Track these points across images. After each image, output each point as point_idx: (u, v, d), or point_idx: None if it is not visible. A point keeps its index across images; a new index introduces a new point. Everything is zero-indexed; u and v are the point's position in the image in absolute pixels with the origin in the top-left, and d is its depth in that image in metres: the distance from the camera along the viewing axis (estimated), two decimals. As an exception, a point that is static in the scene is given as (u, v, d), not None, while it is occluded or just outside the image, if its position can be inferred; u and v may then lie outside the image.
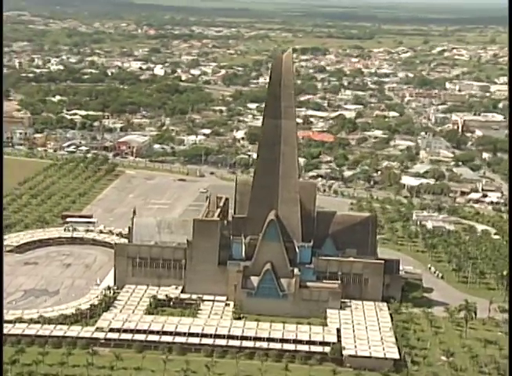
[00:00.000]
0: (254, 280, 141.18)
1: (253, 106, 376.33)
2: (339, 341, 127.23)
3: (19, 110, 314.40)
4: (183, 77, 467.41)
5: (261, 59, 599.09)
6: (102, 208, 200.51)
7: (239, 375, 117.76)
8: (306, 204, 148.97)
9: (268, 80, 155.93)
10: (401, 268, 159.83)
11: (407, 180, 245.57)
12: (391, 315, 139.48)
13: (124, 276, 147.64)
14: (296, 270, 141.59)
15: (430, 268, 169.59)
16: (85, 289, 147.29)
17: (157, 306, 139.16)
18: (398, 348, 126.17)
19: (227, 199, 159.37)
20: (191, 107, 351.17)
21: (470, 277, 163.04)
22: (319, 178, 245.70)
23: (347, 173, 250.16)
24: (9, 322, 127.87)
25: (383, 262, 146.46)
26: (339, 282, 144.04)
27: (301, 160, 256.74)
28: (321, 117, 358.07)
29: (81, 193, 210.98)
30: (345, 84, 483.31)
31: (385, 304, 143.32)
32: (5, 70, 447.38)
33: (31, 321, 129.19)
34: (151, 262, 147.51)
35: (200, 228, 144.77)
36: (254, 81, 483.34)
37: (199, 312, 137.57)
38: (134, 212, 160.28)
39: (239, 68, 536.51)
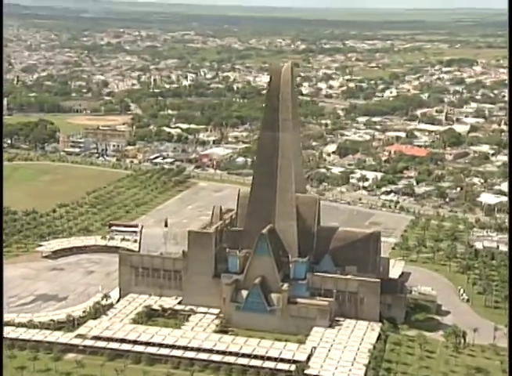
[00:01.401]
0: (244, 293, 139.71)
1: (362, 119, 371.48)
2: (308, 359, 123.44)
3: (124, 123, 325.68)
4: (304, 91, 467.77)
5: (399, 72, 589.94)
6: (155, 218, 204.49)
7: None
8: (307, 219, 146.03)
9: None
10: (415, 288, 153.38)
11: (485, 198, 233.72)
12: (379, 336, 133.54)
13: (127, 286, 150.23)
14: (285, 285, 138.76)
15: (459, 290, 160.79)
16: (93, 296, 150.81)
17: (150, 316, 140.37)
18: (366, 371, 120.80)
19: (233, 211, 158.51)
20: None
21: (496, 301, 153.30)
22: (392, 194, 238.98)
23: (420, 189, 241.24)
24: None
25: (379, 280, 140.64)
26: (332, 300, 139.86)
27: (378, 175, 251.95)
28: (430, 131, 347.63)
29: (141, 203, 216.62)
30: (477, 97, 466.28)
31: (379, 324, 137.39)
32: (137, 86, 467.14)
33: (19, 325, 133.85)
34: (153, 273, 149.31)
35: (194, 240, 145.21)
36: (379, 94, 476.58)
37: (185, 323, 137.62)
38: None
39: (371, 81, 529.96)
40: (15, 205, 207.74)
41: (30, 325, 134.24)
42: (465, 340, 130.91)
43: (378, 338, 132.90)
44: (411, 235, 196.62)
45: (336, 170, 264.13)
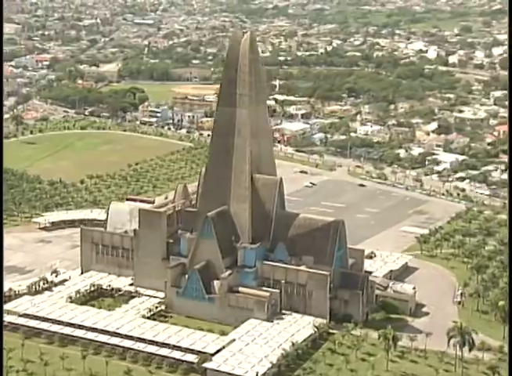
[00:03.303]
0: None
1: (498, 94, 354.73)
2: (217, 352, 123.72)
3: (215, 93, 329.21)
4: (450, 61, 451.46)
5: None
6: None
7: (88, 372, 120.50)
8: (265, 203, 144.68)
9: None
10: (390, 284, 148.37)
11: None
12: (314, 333, 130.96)
13: (89, 263, 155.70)
14: (226, 273, 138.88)
15: (459, 291, 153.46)
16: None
17: (94, 296, 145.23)
18: (272, 368, 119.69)
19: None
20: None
21: (491, 306, 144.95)
22: (467, 181, 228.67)
23: (498, 178, 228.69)
24: None
25: (327, 273, 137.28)
26: (276, 291, 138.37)
27: (459, 158, 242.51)
28: None
29: (176, 178, 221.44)
30: None
31: (324, 321, 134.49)
32: (266, 54, 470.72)
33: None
34: (112, 250, 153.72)
35: (145, 218, 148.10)
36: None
37: (122, 306, 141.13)
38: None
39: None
40: (52, 174, 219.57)
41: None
42: (396, 344, 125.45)
43: (311, 336, 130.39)
44: (450, 227, 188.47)
45: (417, 151, 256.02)
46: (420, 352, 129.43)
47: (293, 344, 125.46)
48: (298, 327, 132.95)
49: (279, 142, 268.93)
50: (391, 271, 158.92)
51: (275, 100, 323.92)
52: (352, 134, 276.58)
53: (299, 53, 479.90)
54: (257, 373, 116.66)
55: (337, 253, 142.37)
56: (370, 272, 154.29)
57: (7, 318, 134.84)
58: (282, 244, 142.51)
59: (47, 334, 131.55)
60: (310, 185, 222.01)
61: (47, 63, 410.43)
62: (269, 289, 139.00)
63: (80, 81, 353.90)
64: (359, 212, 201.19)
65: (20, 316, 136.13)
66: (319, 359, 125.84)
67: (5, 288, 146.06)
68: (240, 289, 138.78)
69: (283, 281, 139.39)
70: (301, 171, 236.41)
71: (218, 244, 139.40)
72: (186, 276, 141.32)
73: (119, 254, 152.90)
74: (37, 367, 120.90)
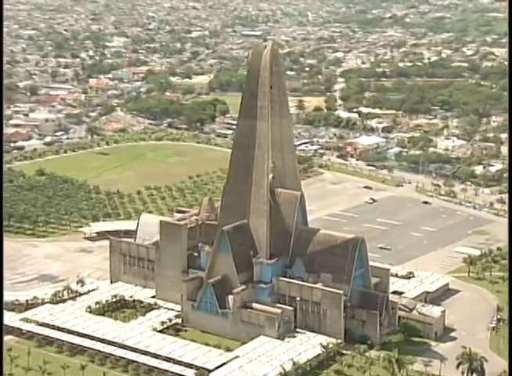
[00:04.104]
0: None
1: None
2: (216, 368, 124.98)
3: (298, 105, 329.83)
4: None
5: None
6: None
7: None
8: (286, 218, 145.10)
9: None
10: (418, 306, 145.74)
11: None
12: (324, 354, 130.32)
13: (117, 273, 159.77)
14: (239, 288, 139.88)
15: (496, 316, 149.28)
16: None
17: (115, 308, 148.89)
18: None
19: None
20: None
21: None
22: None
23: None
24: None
25: (341, 292, 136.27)
26: (290, 308, 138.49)
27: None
28: None
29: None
30: None
31: (335, 341, 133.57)
32: (366, 65, 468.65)
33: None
34: (138, 262, 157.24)
35: (166, 231, 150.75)
36: None
37: (137, 318, 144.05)
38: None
39: None
40: (113, 185, 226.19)
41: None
42: (400, 367, 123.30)
43: (318, 356, 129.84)
44: (506, 249, 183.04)
45: (496, 168, 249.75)
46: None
47: (294, 363, 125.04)
48: (308, 347, 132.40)
49: (351, 156, 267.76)
50: (427, 293, 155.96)
51: (359, 113, 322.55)
52: (432, 149, 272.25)
53: (400, 64, 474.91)
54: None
55: (358, 271, 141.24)
56: (401, 293, 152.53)
57: (25, 326, 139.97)
58: (300, 260, 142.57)
59: (58, 343, 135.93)
60: (370, 201, 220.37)
61: (142, 75, 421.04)
62: (284, 306, 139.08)
63: (168, 93, 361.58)
64: (414, 231, 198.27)
65: (39, 324, 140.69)
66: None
67: (30, 296, 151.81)
68: (254, 305, 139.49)
69: (298, 298, 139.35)
70: (366, 187, 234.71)
71: (234, 258, 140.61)
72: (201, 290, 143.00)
73: (145, 265, 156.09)
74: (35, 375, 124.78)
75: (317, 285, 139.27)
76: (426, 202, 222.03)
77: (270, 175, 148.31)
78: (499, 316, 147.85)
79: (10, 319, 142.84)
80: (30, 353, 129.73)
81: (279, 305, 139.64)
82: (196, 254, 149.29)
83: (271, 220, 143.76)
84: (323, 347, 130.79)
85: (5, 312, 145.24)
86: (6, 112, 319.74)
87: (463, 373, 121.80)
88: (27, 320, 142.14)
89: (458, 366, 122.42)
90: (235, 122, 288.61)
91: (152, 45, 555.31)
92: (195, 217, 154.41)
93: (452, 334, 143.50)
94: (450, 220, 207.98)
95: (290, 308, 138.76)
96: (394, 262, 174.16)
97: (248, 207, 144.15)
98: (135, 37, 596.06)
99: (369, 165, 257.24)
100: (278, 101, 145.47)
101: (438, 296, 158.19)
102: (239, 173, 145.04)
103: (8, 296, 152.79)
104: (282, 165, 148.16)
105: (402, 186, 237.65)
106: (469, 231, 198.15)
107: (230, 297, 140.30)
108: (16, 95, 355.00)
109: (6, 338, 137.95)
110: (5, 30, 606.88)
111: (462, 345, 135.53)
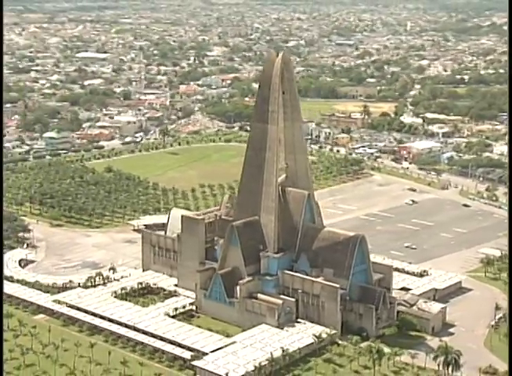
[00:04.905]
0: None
1: None
2: (212, 352, 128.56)
3: (361, 111, 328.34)
4: None
5: None
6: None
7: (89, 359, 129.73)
8: (294, 215, 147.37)
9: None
10: (419, 302, 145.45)
11: None
12: (316, 343, 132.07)
13: (148, 263, 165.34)
14: (246, 279, 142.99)
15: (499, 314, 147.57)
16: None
17: (138, 294, 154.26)
18: (254, 370, 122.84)
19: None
20: None
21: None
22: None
23: None
24: (8, 279, 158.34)
25: (338, 286, 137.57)
26: (292, 299, 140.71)
27: None
28: None
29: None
30: None
31: (329, 331, 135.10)
32: (448, 72, 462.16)
33: (24, 283, 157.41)
34: (166, 253, 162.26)
35: (187, 225, 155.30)
36: None
37: (156, 304, 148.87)
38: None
39: None
40: (173, 183, 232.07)
41: (34, 285, 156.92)
42: (381, 357, 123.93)
43: (311, 345, 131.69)
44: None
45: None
46: (417, 370, 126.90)
47: (283, 350, 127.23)
48: (303, 336, 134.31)
49: (405, 159, 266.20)
50: (436, 290, 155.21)
51: (424, 119, 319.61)
52: (487, 154, 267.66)
53: (482, 72, 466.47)
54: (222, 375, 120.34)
55: (359, 267, 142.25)
56: (409, 290, 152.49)
57: (55, 307, 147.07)
58: (304, 255, 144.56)
59: (79, 324, 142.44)
60: (410, 202, 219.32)
61: (229, 81, 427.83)
62: (287, 297, 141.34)
63: (247, 98, 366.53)
64: (445, 231, 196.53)
65: (67, 306, 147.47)
66: (312, 368, 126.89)
67: (66, 280, 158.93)
68: (259, 295, 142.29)
69: (300, 291, 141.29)
70: (410, 189, 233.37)
71: (242, 251, 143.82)
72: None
73: (171, 256, 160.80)
74: (50, 350, 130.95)
75: (318, 279, 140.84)
76: (465, 205, 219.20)
77: (283, 175, 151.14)
78: (501, 315, 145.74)
79: (44, 299, 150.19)
80: (50, 331, 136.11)
81: (282, 296, 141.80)
82: (211, 246, 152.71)
83: (280, 217, 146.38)
84: (316, 337, 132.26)
85: (40, 293, 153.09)
86: (96, 115, 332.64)
87: (439, 365, 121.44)
88: (58, 302, 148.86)
89: (435, 359, 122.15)
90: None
91: (248, 54, 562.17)
92: (215, 213, 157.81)
93: (451, 330, 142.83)
94: (484, 222, 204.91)
95: (292, 299, 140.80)
96: (416, 260, 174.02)
97: (259, 204, 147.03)
98: (234, 46, 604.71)
99: (420, 169, 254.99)
100: (290, 106, 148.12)
101: (448, 294, 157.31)
102: (252, 173, 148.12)
103: (47, 279, 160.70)
104: (294, 166, 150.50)
105: (447, 189, 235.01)
106: (499, 233, 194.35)
107: (238, 287, 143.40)
108: (110, 100, 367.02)
109: (38, 316, 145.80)
110: (120, 41, 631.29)
111: (455, 340, 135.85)
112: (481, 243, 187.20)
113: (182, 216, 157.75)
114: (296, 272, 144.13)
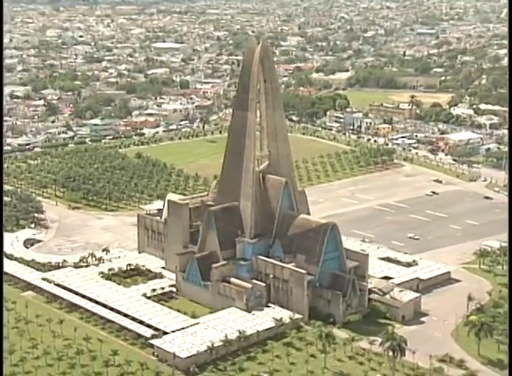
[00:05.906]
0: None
1: None
2: (172, 332, 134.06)
3: (409, 102, 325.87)
4: None
5: None
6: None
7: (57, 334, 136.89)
8: (272, 202, 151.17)
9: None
10: (394, 291, 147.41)
11: None
12: (276, 327, 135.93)
13: (143, 246, 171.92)
14: (219, 263, 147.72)
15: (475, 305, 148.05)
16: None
17: (124, 275, 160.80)
18: (207, 350, 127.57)
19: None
20: None
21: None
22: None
23: None
24: (7, 257, 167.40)
25: (305, 272, 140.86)
26: (262, 284, 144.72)
27: None
28: None
29: (308, 179, 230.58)
30: None
31: (293, 315, 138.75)
32: None
33: (22, 261, 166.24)
34: (158, 236, 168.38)
35: (172, 209, 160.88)
36: None
37: (138, 285, 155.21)
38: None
39: None
40: (200, 169, 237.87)
41: (29, 263, 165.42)
42: (330, 344, 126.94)
43: (271, 329, 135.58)
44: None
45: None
46: (373, 356, 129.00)
47: (239, 332, 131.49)
48: (267, 319, 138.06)
49: (442, 150, 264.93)
50: (420, 280, 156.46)
51: (476, 110, 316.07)
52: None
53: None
54: (174, 353, 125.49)
55: (331, 254, 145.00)
56: (390, 278, 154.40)
57: (42, 284, 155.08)
58: (279, 241, 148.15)
59: (60, 301, 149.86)
60: (430, 193, 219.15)
61: (290, 71, 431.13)
62: (258, 282, 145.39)
63: (301, 88, 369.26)
64: (456, 223, 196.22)
65: (54, 284, 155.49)
66: (268, 350, 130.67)
67: (60, 260, 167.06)
68: (232, 280, 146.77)
69: (271, 276, 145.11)
70: (436, 180, 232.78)
71: (218, 236, 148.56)
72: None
73: (162, 239, 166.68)
74: (22, 324, 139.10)
75: (289, 265, 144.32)
76: (487, 197, 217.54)
77: (266, 162, 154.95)
78: (476, 306, 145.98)
79: (34, 277, 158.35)
80: (27, 306, 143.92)
81: (255, 281, 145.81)
82: (196, 230, 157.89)
83: (259, 203, 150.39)
84: (276, 320, 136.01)
85: (32, 271, 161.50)
86: (148, 103, 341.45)
87: (384, 350, 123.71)
88: (47, 280, 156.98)
89: (381, 344, 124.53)
90: (341, 115, 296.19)
91: (321, 44, 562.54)
92: (201, 198, 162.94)
93: (423, 319, 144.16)
94: (500, 215, 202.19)
95: (263, 284, 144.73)
96: (414, 251, 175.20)
97: (239, 190, 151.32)
98: (310, 36, 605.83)
99: (454, 160, 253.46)
100: (271, 94, 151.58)
101: (434, 284, 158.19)
102: (233, 160, 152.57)
103: (43, 258, 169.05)
104: (276, 153, 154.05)
105: (475, 180, 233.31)
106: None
107: (212, 271, 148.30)
108: (167, 89, 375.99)
109: (26, 293, 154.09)
110: (200, 32, 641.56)
111: (422, 329, 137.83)
112: (489, 235, 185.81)
113: (168, 201, 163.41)
114: (271, 257, 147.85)
